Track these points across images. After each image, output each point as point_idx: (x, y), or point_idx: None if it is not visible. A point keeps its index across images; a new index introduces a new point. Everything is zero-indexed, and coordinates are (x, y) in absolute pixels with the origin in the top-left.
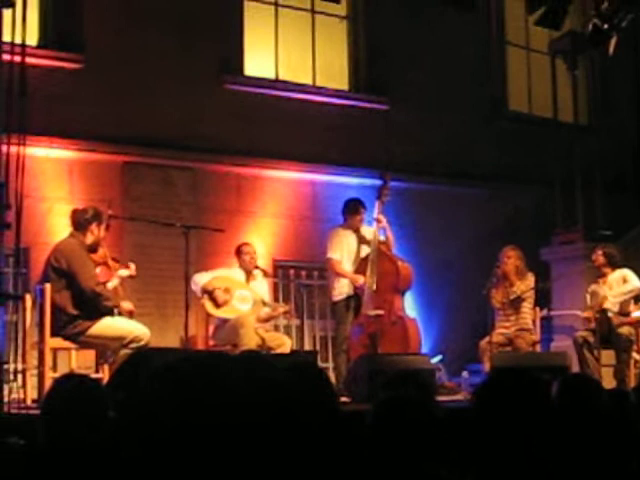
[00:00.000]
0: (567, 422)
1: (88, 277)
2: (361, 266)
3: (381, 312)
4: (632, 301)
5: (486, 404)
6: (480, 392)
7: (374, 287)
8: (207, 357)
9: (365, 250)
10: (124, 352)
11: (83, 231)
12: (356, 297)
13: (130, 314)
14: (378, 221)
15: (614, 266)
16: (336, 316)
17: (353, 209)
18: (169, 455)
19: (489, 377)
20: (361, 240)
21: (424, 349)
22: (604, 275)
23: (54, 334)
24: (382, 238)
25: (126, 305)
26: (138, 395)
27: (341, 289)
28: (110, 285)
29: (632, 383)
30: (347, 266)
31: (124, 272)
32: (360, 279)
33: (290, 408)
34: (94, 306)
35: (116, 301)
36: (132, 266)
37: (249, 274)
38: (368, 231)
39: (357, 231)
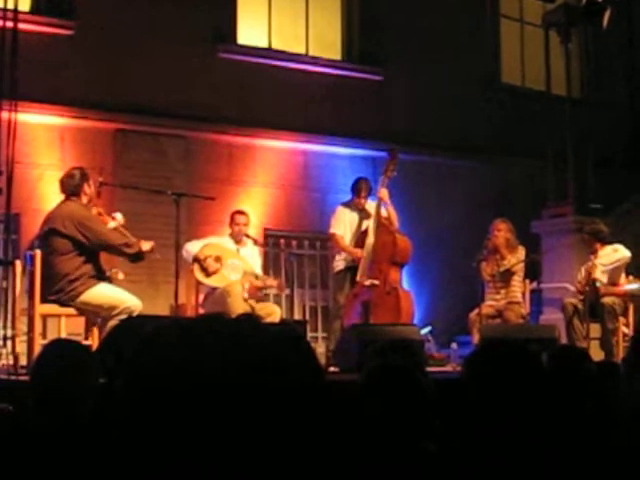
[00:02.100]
0: (555, 391)
1: (109, 233)
2: (360, 238)
3: (376, 282)
4: (623, 274)
5: (476, 375)
6: (470, 363)
7: (370, 258)
8: (197, 321)
9: (366, 224)
10: (113, 323)
11: (78, 195)
12: (355, 269)
13: (152, 251)
14: (380, 197)
15: (603, 241)
16: (335, 285)
17: (356, 189)
18: (156, 420)
19: (479, 348)
20: (364, 216)
21: (414, 320)
22: (595, 251)
23: (46, 299)
24: (384, 213)
25: (145, 246)
26: (126, 360)
27: (341, 260)
28: None
29: (620, 355)
30: (348, 241)
31: (112, 224)
32: (359, 252)
33: (279, 373)
34: (98, 266)
35: (138, 247)
36: (118, 216)
37: (239, 241)
38: (371, 205)
39: (362, 209)
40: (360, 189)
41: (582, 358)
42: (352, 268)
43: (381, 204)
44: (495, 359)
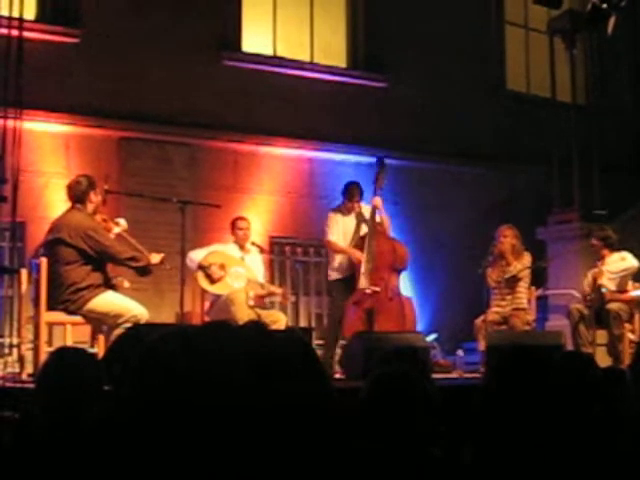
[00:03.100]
0: (563, 397)
1: (115, 246)
2: (359, 244)
3: (377, 289)
4: (631, 281)
5: (503, 384)
6: (498, 371)
7: (370, 265)
8: (201, 329)
9: (364, 229)
10: (119, 331)
11: (84, 202)
12: (352, 277)
13: (162, 263)
14: (374, 205)
15: (611, 247)
16: (332, 295)
17: (348, 194)
18: (162, 427)
19: (506, 357)
20: (360, 219)
21: (419, 327)
22: (602, 257)
23: (53, 308)
24: (377, 219)
25: (155, 259)
26: (132, 368)
27: (338, 269)
28: None
29: (627, 361)
30: (345, 245)
31: (116, 229)
32: (358, 254)
33: (286, 380)
34: (105, 275)
35: (146, 260)
36: (121, 222)
37: (243, 248)
38: (366, 209)
39: (359, 213)
40: (353, 193)
41: (588, 364)
42: (349, 277)
43: (375, 211)
44: (523, 367)
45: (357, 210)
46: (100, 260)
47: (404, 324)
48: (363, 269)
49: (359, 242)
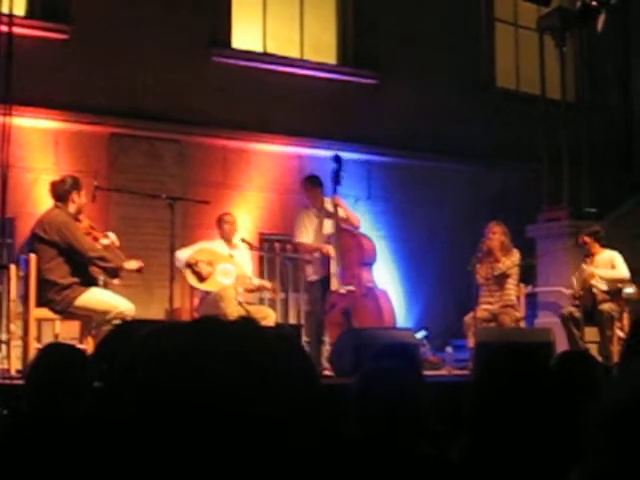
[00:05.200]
0: (563, 396)
1: (85, 244)
2: (327, 242)
3: (352, 288)
4: None
5: (493, 380)
6: (487, 368)
7: (339, 264)
8: (192, 323)
9: (328, 224)
10: (107, 327)
11: (65, 201)
12: (328, 277)
13: (139, 271)
14: (336, 204)
15: (601, 242)
16: (310, 295)
17: (308, 187)
18: (153, 422)
19: (495, 354)
20: (324, 215)
21: (409, 324)
22: (592, 255)
23: (40, 305)
24: (341, 214)
25: (131, 265)
26: (123, 363)
27: (315, 269)
28: None
29: (615, 359)
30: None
31: (104, 241)
32: (326, 248)
33: (276, 375)
34: (88, 273)
35: (118, 262)
36: (111, 235)
37: (230, 243)
38: (328, 203)
39: (321, 208)
40: (309, 187)
41: (590, 361)
42: (326, 277)
43: (338, 209)
44: (513, 363)
45: (320, 204)
46: (75, 256)
47: (382, 318)
48: (333, 270)
49: (327, 241)
